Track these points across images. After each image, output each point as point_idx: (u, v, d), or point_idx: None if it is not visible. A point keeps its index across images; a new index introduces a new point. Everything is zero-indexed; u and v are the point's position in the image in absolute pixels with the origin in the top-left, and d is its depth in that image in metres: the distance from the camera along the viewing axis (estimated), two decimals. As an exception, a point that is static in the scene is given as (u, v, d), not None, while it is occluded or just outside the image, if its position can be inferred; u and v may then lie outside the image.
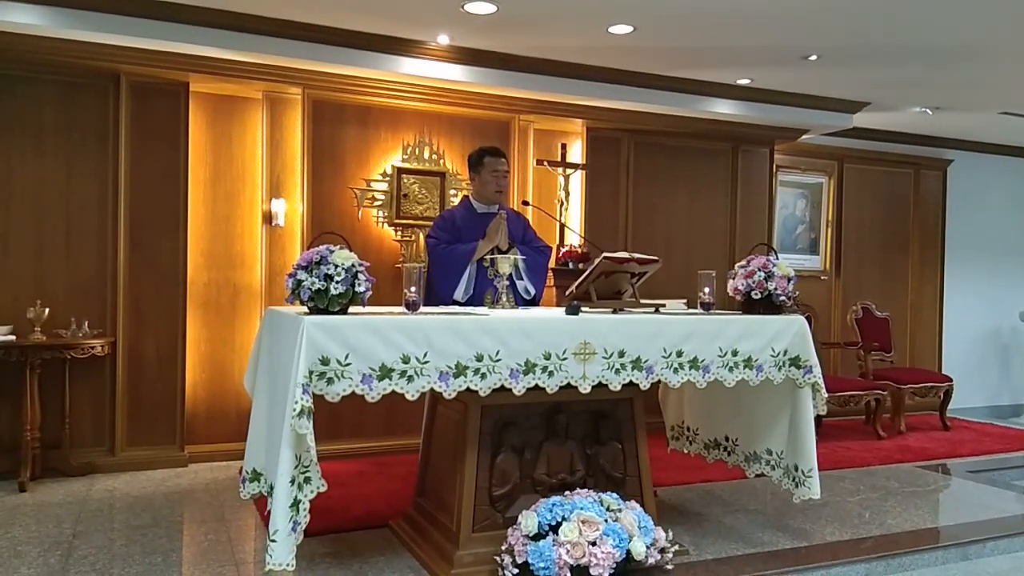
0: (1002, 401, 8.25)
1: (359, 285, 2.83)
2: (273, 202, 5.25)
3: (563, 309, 3.38)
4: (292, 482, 2.66)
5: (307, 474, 2.70)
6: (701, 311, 3.60)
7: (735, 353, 3.36)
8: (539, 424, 3.29)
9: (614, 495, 3.14)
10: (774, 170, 6.99)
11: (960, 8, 4.31)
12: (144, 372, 4.94)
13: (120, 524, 3.79)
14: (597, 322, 3.14)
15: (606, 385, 3.12)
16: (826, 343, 7.00)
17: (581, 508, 2.97)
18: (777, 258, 3.68)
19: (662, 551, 3.07)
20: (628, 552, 2.93)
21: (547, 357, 3.01)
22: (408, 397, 2.82)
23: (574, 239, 5.81)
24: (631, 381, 3.17)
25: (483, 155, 4.21)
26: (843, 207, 7.54)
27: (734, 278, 3.69)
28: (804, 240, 7.43)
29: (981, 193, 8.17)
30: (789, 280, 3.60)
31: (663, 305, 3.62)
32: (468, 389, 2.90)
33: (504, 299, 3.64)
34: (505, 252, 4.00)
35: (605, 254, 3.52)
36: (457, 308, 3.68)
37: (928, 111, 6.63)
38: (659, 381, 3.26)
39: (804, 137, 6.86)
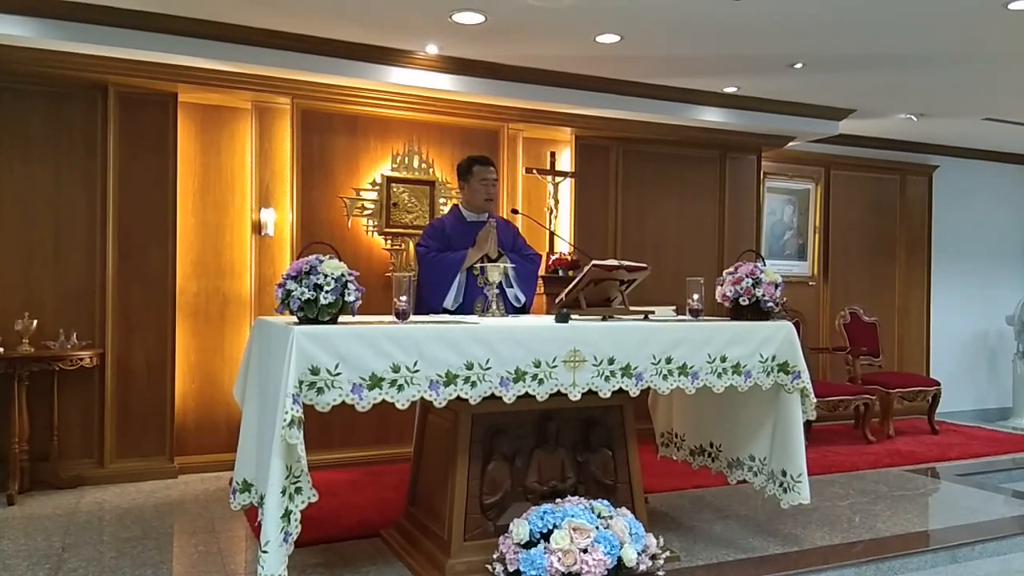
0: (990, 404, 8.30)
1: (349, 294, 2.84)
2: (262, 212, 5.25)
3: (553, 317, 3.39)
4: (283, 492, 2.66)
5: (298, 484, 2.70)
6: (690, 318, 3.62)
7: (724, 359, 3.38)
8: (530, 432, 3.30)
9: (605, 502, 3.15)
10: (761, 177, 7.04)
11: (943, 16, 4.36)
12: (133, 383, 4.91)
13: (110, 537, 3.77)
14: (587, 329, 3.16)
15: (596, 392, 3.13)
16: (814, 348, 7.03)
17: (572, 515, 2.97)
18: (765, 264, 3.70)
19: (653, 557, 3.07)
20: (619, 559, 2.93)
21: (537, 365, 3.03)
22: (398, 406, 2.82)
23: (564, 247, 5.83)
24: (621, 388, 3.19)
25: (472, 164, 4.23)
26: (830, 213, 7.59)
27: (722, 285, 3.70)
28: (792, 246, 7.47)
29: (967, 198, 8.24)
30: (777, 286, 3.62)
31: (652, 312, 3.64)
32: (458, 398, 2.91)
33: (494, 307, 3.65)
34: (495, 260, 4.01)
35: (594, 262, 3.53)
36: (447, 316, 3.69)
37: (913, 118, 6.69)
38: (649, 388, 3.27)
39: (791, 144, 6.91)
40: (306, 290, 2.78)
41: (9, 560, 3.42)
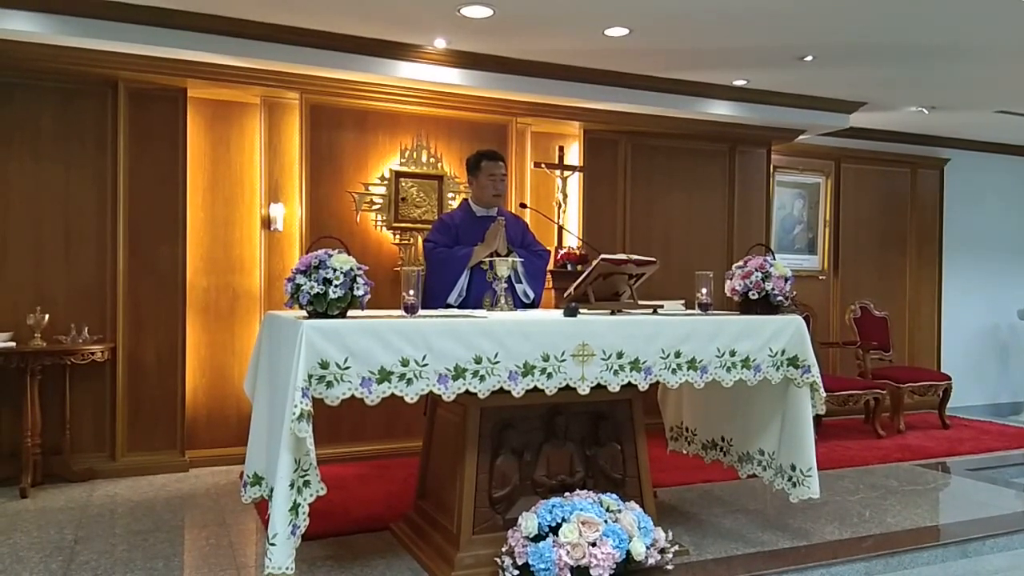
0: (1001, 399, 8.26)
1: (358, 289, 2.84)
2: (272, 207, 5.26)
3: (561, 311, 3.39)
4: (291, 486, 2.67)
5: (306, 477, 2.71)
6: (699, 312, 3.61)
7: (733, 353, 3.37)
8: (538, 426, 3.30)
9: (614, 496, 3.15)
10: (771, 170, 7.01)
11: (955, 7, 4.33)
12: (144, 377, 4.94)
13: (121, 529, 3.80)
14: (595, 323, 3.15)
15: (605, 386, 3.13)
16: (824, 343, 7.01)
17: (581, 509, 2.97)
18: (774, 258, 3.69)
19: (662, 551, 3.08)
20: (628, 553, 2.94)
21: (546, 359, 3.02)
22: (407, 400, 2.83)
23: (572, 241, 5.82)
24: (629, 382, 3.18)
25: (480, 159, 4.23)
26: (840, 207, 7.56)
27: (731, 279, 3.70)
28: (802, 240, 7.45)
29: (978, 191, 8.19)
30: (786, 280, 3.61)
31: (661, 306, 3.63)
32: (467, 391, 2.91)
33: (502, 302, 3.65)
34: (504, 256, 4.01)
35: (603, 256, 3.53)
36: (455, 311, 3.69)
37: (924, 110, 6.65)
38: (658, 382, 3.27)
39: (801, 137, 6.88)
40: (315, 284, 2.79)
41: (22, 552, 3.45)
